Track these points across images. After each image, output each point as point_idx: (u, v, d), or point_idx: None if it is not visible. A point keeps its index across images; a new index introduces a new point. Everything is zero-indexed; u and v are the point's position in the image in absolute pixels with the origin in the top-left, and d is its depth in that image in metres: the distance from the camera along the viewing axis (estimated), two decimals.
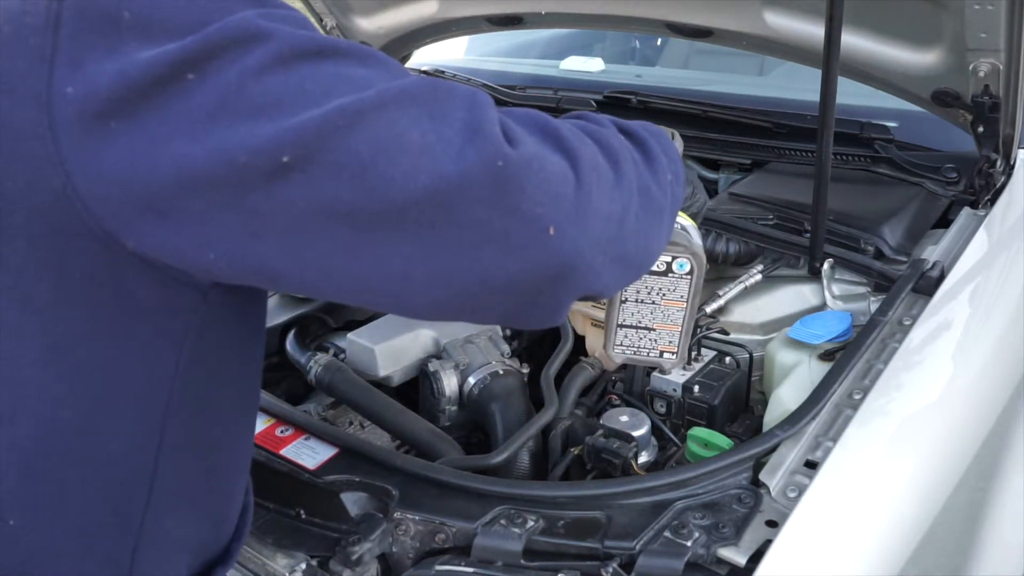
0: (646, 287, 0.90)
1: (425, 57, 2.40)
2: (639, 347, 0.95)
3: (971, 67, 1.43)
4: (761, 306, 1.46)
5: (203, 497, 0.80)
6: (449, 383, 1.32)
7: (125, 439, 0.69)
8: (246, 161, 0.57)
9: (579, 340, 1.45)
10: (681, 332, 0.93)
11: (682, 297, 0.91)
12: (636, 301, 0.91)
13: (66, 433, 0.66)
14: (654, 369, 1.34)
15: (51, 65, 0.57)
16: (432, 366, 1.33)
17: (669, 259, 0.89)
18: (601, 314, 1.41)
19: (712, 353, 1.38)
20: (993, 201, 1.46)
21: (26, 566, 0.68)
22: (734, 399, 1.33)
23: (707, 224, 1.48)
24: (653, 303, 0.91)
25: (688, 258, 0.88)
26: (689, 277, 0.89)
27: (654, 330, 0.93)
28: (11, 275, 0.62)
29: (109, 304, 0.64)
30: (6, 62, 0.58)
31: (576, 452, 1.19)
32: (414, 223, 0.60)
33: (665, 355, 0.95)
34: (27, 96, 0.58)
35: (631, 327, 0.93)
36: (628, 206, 0.71)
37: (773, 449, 0.99)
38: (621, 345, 0.95)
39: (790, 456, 0.97)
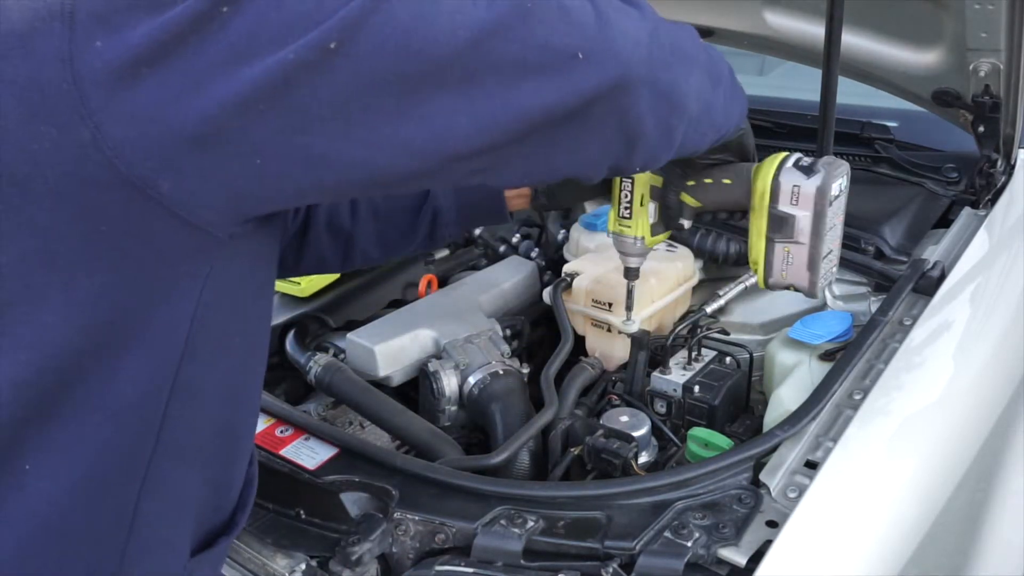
0: (834, 211, 0.98)
1: None
2: (826, 273, 1.01)
3: (971, 67, 1.44)
4: (761, 306, 1.46)
5: (208, 454, 0.80)
6: (449, 383, 1.32)
7: (139, 384, 0.70)
8: (293, 60, 0.59)
9: (579, 340, 1.46)
10: (839, 246, 1.03)
11: (842, 211, 1.00)
12: (831, 229, 0.98)
13: (84, 380, 0.67)
14: (659, 367, 1.34)
15: (71, 22, 0.59)
16: (432, 366, 1.33)
17: (841, 180, 0.97)
18: (601, 313, 1.42)
19: (712, 353, 1.38)
20: (994, 201, 1.46)
21: (34, 517, 0.69)
22: (734, 399, 1.33)
23: (707, 224, 1.48)
24: (835, 227, 1.00)
25: (846, 175, 0.98)
26: (845, 192, 0.99)
27: (832, 251, 1.01)
28: (37, 237, 0.63)
29: (136, 254, 0.65)
30: (23, 24, 0.59)
31: (576, 452, 1.19)
32: (455, 75, 0.63)
33: (833, 271, 1.04)
34: (47, 55, 0.59)
35: (828, 256, 1.00)
36: (654, 34, 0.73)
37: (773, 449, 0.99)
38: (823, 278, 1.01)
39: (790, 456, 0.97)
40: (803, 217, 0.96)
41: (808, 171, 0.96)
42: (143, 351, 0.69)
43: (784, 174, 0.97)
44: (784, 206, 0.97)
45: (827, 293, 1.41)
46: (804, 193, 0.96)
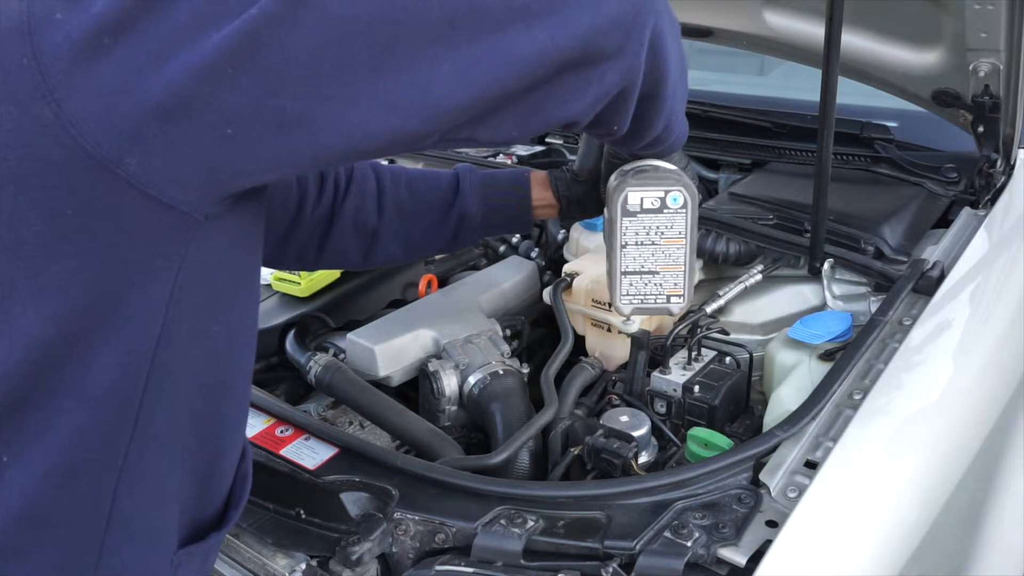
0: (644, 227, 0.90)
1: None
2: (645, 294, 0.94)
3: (971, 67, 1.44)
4: (761, 306, 1.46)
5: (190, 444, 0.78)
6: (449, 383, 1.32)
7: (113, 371, 0.68)
8: (258, 16, 0.56)
9: (579, 340, 1.46)
10: (685, 272, 0.93)
11: (680, 234, 0.91)
12: (636, 244, 0.91)
13: (55, 366, 0.66)
14: (659, 367, 1.34)
15: None
16: (432, 366, 1.33)
17: (662, 194, 0.88)
18: (601, 314, 1.42)
19: (712, 353, 1.38)
20: (993, 201, 1.46)
21: (10, 506, 0.68)
22: (734, 399, 1.33)
23: (707, 224, 1.48)
24: (653, 244, 0.91)
25: (680, 191, 0.88)
26: (684, 211, 0.89)
27: (658, 273, 0.93)
28: (1, 224, 0.61)
29: (105, 237, 0.63)
30: None
31: (576, 452, 1.19)
32: (434, 20, 0.59)
33: (672, 299, 0.94)
34: (6, 30, 0.57)
35: (635, 273, 0.92)
36: None
37: (773, 449, 0.99)
38: (627, 295, 0.94)
39: (790, 456, 0.97)
40: (606, 220, 0.92)
41: (621, 176, 0.91)
42: (117, 337, 0.67)
43: (616, 175, 0.93)
44: (606, 208, 0.94)
45: (827, 293, 1.41)
46: (607, 194, 0.92)
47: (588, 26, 0.64)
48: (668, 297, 0.94)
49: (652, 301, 0.94)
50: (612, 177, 0.93)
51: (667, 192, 0.89)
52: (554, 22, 0.62)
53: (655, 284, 0.93)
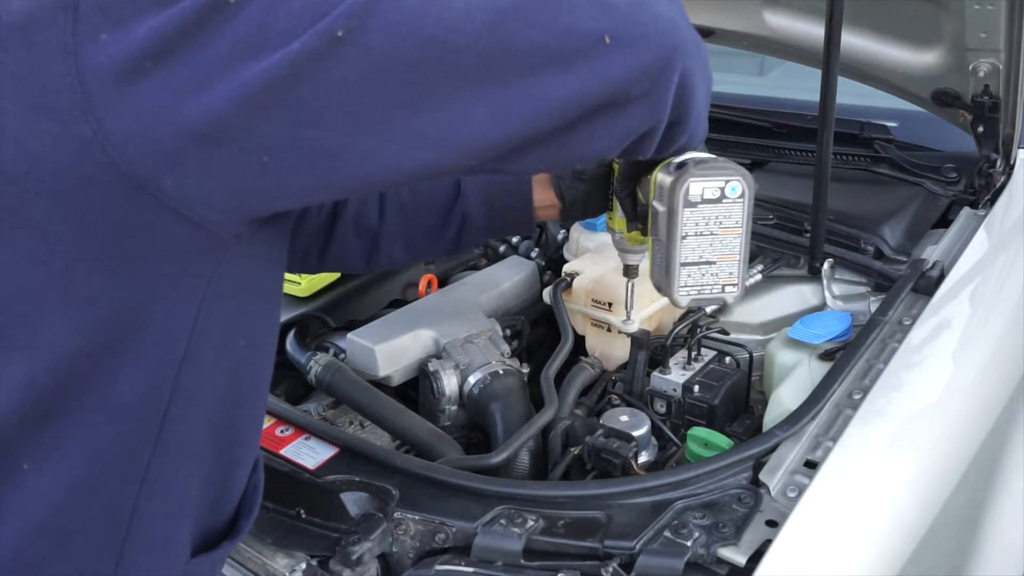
0: (703, 217, 0.90)
1: None
2: (703, 285, 0.94)
3: (971, 67, 1.44)
4: (761, 306, 1.46)
5: (209, 457, 0.79)
6: (449, 383, 1.32)
7: (138, 385, 0.69)
8: (300, 51, 0.57)
9: (579, 340, 1.46)
10: (740, 261, 0.94)
11: (737, 223, 0.91)
12: (696, 235, 0.91)
13: (83, 379, 0.66)
14: (659, 367, 1.34)
15: (75, 13, 0.58)
16: (432, 366, 1.33)
17: (722, 184, 0.89)
18: (601, 313, 1.42)
19: (712, 353, 1.38)
20: (993, 201, 1.46)
21: (32, 516, 0.69)
22: (734, 399, 1.33)
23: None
24: (712, 234, 0.91)
25: (739, 180, 0.89)
26: (742, 200, 0.90)
27: (715, 263, 0.93)
28: (36, 236, 0.62)
29: (137, 253, 0.64)
30: (23, 16, 0.58)
31: (576, 452, 1.19)
32: (471, 63, 0.60)
33: (727, 288, 0.95)
34: (50, 47, 0.58)
35: (693, 264, 0.93)
36: (686, 19, 0.68)
37: (773, 449, 0.99)
38: (685, 286, 0.94)
39: (790, 456, 0.98)
40: (662, 213, 0.92)
41: (678, 168, 0.91)
42: (143, 352, 0.68)
43: (663, 170, 0.94)
44: (655, 201, 0.94)
45: (827, 293, 1.41)
46: (663, 188, 0.92)
47: (621, 73, 0.64)
48: (723, 287, 0.95)
49: (708, 291, 0.94)
50: (660, 171, 0.94)
51: (727, 182, 0.89)
52: (587, 68, 0.63)
53: (712, 274, 0.94)
